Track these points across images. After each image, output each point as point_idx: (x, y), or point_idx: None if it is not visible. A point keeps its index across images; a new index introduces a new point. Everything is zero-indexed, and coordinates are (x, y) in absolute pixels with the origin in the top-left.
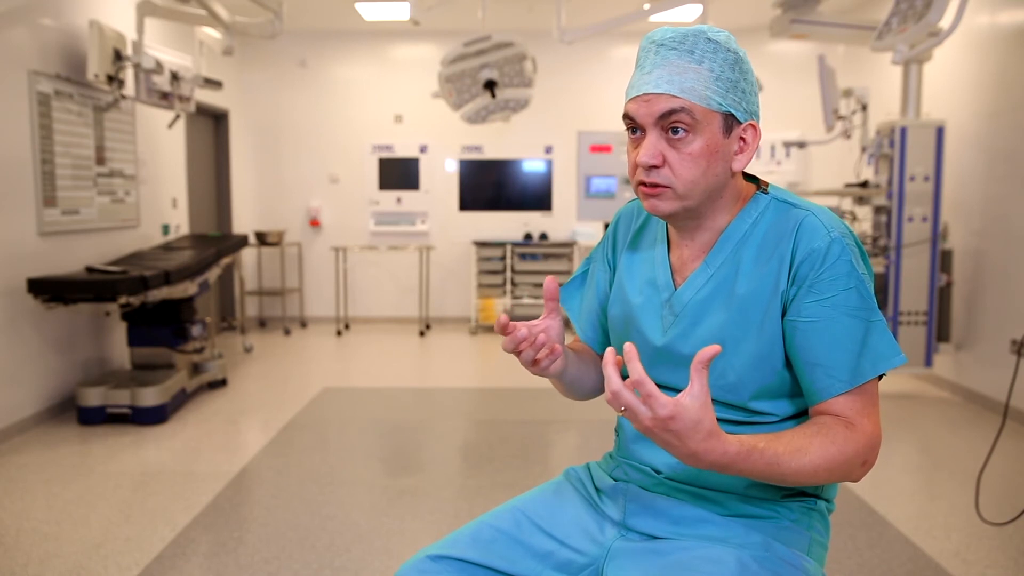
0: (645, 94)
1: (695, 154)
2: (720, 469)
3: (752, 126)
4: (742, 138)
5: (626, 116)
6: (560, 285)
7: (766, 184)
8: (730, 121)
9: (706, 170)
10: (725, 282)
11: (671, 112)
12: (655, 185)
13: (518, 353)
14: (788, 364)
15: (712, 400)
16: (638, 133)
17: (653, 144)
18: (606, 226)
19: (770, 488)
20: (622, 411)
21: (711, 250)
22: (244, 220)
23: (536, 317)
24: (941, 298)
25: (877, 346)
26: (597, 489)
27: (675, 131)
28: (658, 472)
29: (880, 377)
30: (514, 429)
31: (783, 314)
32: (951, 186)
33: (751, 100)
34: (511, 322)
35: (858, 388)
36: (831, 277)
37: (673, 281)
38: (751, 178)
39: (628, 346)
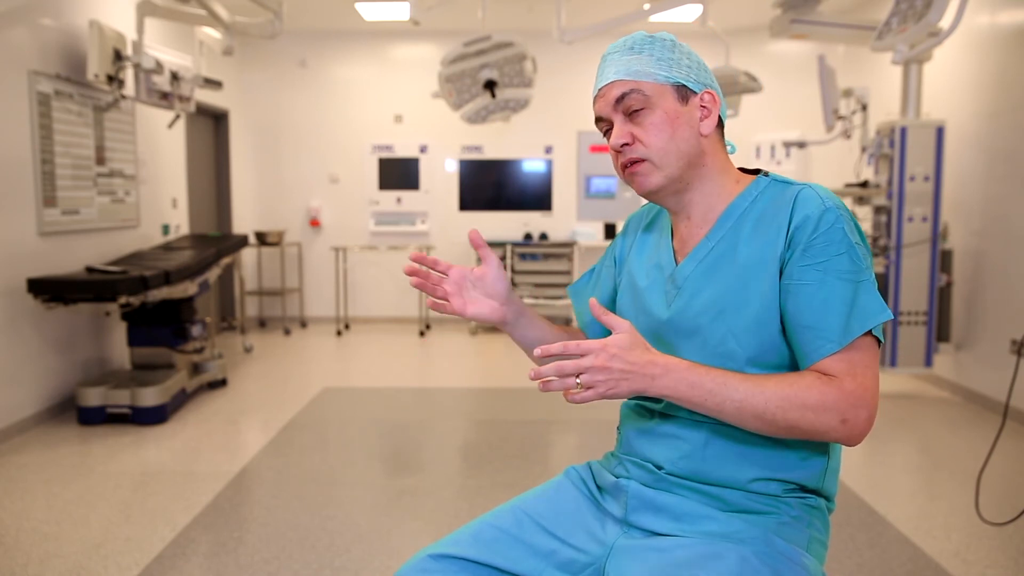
0: (601, 90)
1: (657, 124)
2: (678, 378)
3: (709, 93)
4: (703, 106)
5: (597, 119)
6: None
7: (767, 173)
8: (684, 92)
9: (672, 135)
10: (725, 253)
11: (624, 95)
12: (633, 162)
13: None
14: (784, 331)
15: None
16: (611, 130)
17: (620, 127)
18: (606, 226)
19: (771, 483)
20: (577, 384)
21: (712, 227)
22: (244, 220)
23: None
24: (941, 298)
25: (864, 304)
26: (599, 487)
27: (635, 111)
28: (659, 468)
29: (880, 344)
30: (514, 429)
31: (780, 278)
32: (951, 186)
33: (700, 74)
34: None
35: (848, 348)
36: (824, 242)
37: (675, 259)
38: (754, 171)
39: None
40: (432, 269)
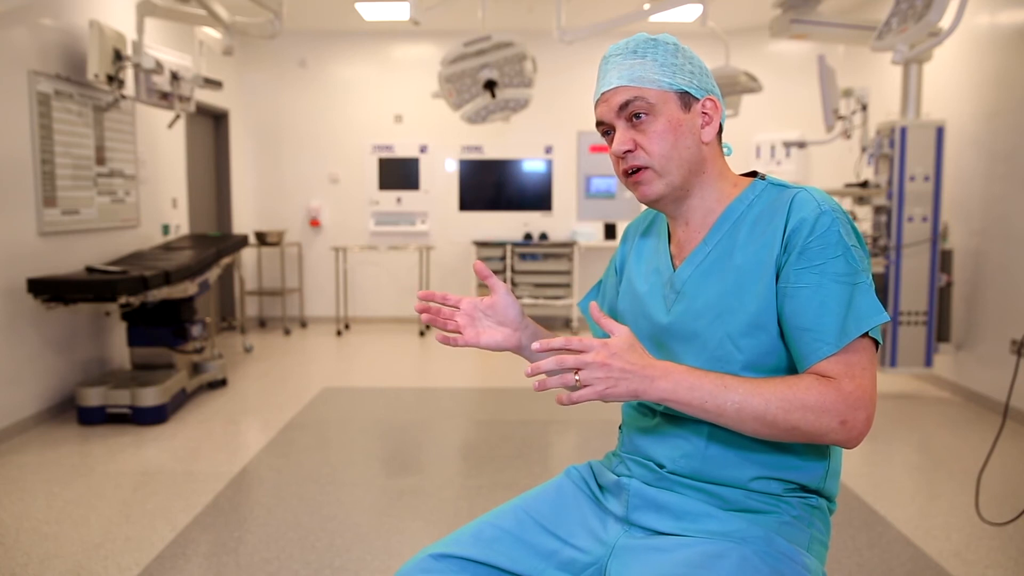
0: (603, 94)
1: (660, 132)
2: (677, 380)
3: (711, 100)
4: (704, 112)
5: (598, 123)
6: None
7: (764, 176)
8: (686, 98)
9: (675, 143)
10: (722, 257)
11: (628, 102)
12: (636, 170)
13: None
14: (782, 335)
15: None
16: (611, 133)
17: (623, 134)
18: (606, 226)
19: (772, 483)
20: (576, 380)
21: (709, 231)
22: (244, 220)
23: (536, 317)
24: (941, 298)
25: (861, 306)
26: (600, 486)
27: (637, 117)
28: (661, 466)
29: (878, 346)
30: (514, 429)
31: (777, 282)
32: (951, 186)
33: (702, 79)
34: (431, 295)
35: (845, 351)
36: (820, 245)
37: (673, 264)
38: (753, 174)
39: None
40: (442, 304)
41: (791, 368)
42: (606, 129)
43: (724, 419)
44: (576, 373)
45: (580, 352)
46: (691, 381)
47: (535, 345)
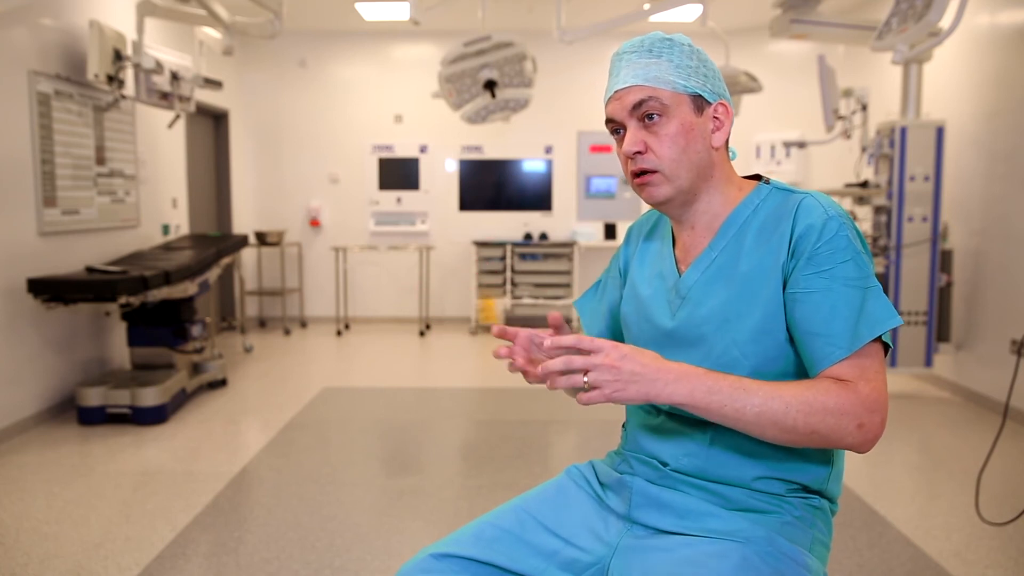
0: (617, 92)
1: (672, 135)
2: (695, 384)
3: (723, 105)
4: (716, 117)
5: (608, 120)
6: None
7: (768, 179)
8: (699, 102)
9: (686, 148)
10: (728, 263)
11: (642, 102)
12: (644, 172)
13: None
14: (791, 340)
15: None
16: (621, 132)
17: (634, 134)
18: (606, 226)
19: (775, 483)
20: (584, 383)
21: (715, 236)
22: (244, 220)
23: (536, 317)
24: (941, 298)
25: (873, 310)
26: (601, 484)
27: (650, 117)
28: (665, 464)
29: (887, 350)
30: (514, 429)
31: (784, 288)
32: (951, 186)
33: (715, 83)
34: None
35: (857, 354)
36: (828, 250)
37: (678, 269)
38: (756, 177)
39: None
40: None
41: (798, 372)
42: (616, 127)
43: (742, 423)
44: (585, 374)
45: (590, 352)
46: (708, 384)
47: (546, 343)
